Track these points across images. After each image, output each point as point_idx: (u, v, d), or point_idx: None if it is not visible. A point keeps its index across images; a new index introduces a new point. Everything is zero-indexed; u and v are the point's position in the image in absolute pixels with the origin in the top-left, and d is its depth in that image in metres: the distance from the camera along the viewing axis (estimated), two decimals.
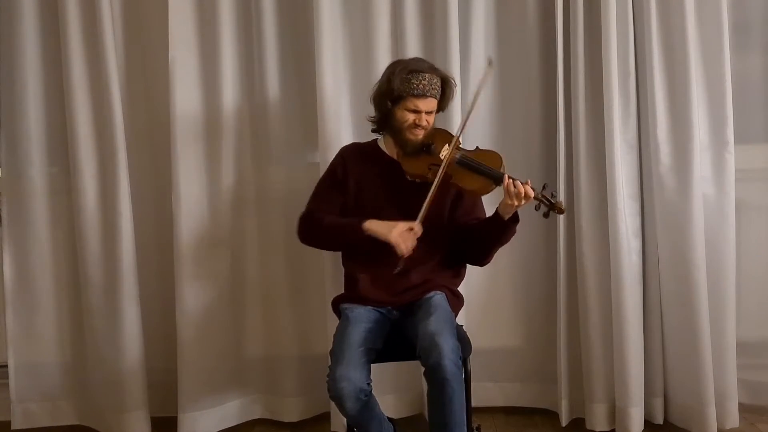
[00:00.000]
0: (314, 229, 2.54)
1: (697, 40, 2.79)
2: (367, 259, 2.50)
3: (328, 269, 2.86)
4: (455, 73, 2.82)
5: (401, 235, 2.37)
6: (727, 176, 2.81)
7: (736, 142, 2.81)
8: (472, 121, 2.89)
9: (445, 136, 2.50)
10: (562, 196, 2.85)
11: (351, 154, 2.61)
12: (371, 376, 2.27)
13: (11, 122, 2.93)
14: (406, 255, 2.37)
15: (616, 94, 2.77)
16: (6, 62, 2.91)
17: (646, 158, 2.87)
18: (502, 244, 2.50)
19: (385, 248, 2.38)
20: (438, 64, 2.71)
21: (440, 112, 2.58)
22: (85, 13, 2.83)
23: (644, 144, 2.86)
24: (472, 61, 2.94)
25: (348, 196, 2.54)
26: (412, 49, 2.85)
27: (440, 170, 2.39)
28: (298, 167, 2.99)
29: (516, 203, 2.35)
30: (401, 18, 2.87)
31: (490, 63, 2.55)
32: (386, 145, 2.58)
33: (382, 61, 2.85)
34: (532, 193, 2.34)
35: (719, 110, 2.81)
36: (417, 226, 2.38)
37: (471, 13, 2.92)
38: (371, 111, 2.60)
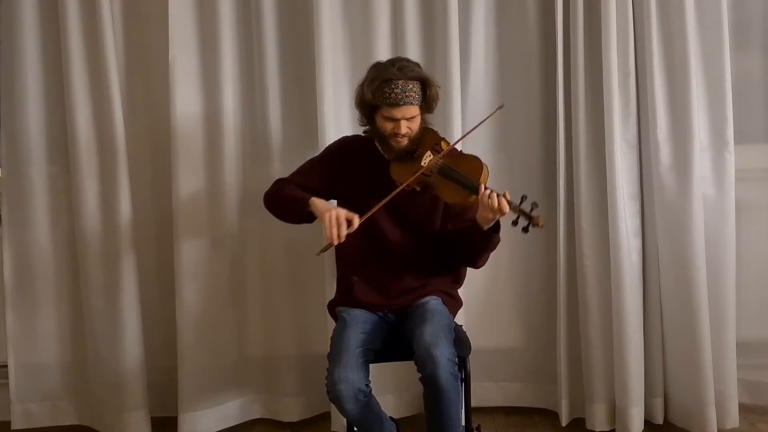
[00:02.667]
0: (276, 193, 2.52)
1: (697, 40, 2.79)
2: (361, 264, 2.48)
3: (328, 269, 2.86)
4: (455, 73, 2.82)
5: (336, 219, 2.26)
6: (727, 176, 2.81)
7: (736, 142, 2.81)
8: (472, 122, 2.90)
9: (431, 139, 2.43)
10: (562, 197, 2.86)
11: (350, 145, 2.58)
12: (370, 377, 2.27)
13: (11, 122, 2.93)
14: (333, 242, 2.27)
15: (616, 94, 2.76)
16: (6, 62, 2.91)
17: (646, 158, 2.87)
18: (487, 252, 2.45)
19: (382, 254, 2.36)
20: (438, 65, 2.71)
21: (430, 114, 2.49)
22: (85, 14, 2.83)
23: (644, 144, 2.86)
24: (472, 61, 2.94)
25: (337, 187, 2.52)
26: (412, 49, 2.85)
27: (414, 177, 2.33)
28: (298, 167, 2.99)
29: (491, 215, 2.26)
30: (401, 18, 2.87)
31: (500, 107, 2.43)
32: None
33: None
34: (506, 208, 2.22)
35: (719, 110, 2.81)
36: (357, 220, 2.29)
37: (471, 13, 2.92)
38: None
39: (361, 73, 2.83)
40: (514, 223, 2.25)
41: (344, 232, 2.27)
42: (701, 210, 2.78)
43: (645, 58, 2.80)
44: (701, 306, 2.77)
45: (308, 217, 2.43)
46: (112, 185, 2.87)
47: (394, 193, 2.32)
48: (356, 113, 2.53)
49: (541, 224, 2.21)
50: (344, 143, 2.61)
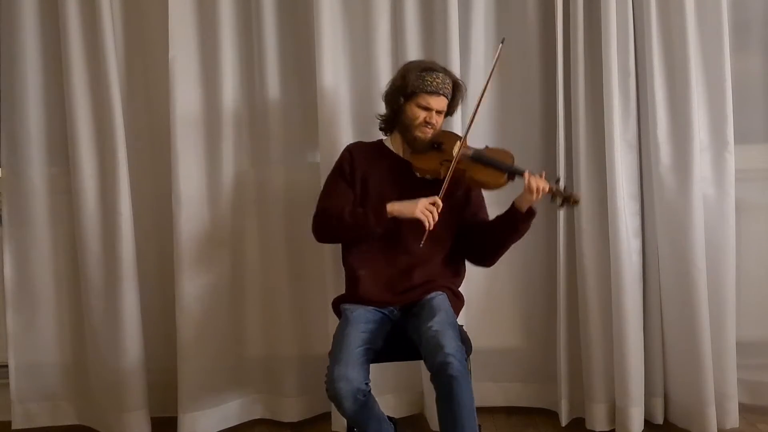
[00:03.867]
0: (333, 222, 2.49)
1: (697, 40, 2.79)
2: (368, 259, 2.50)
3: (328, 269, 2.87)
4: (455, 72, 2.81)
5: (426, 208, 2.38)
6: (727, 176, 2.81)
7: (736, 142, 2.81)
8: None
9: (453, 137, 2.54)
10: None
11: (358, 150, 2.62)
12: (371, 376, 2.27)
13: (11, 122, 2.93)
14: (432, 227, 2.38)
15: (616, 94, 2.77)
16: (6, 62, 2.91)
17: (646, 158, 2.87)
18: (516, 239, 2.51)
19: (391, 248, 2.39)
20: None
21: (447, 117, 2.61)
22: (85, 13, 2.83)
23: (644, 144, 2.86)
24: (472, 61, 2.94)
25: (354, 191, 2.54)
26: (412, 50, 2.85)
27: (453, 162, 2.42)
28: (298, 167, 2.99)
29: (535, 196, 2.38)
30: (401, 18, 2.87)
31: (503, 42, 2.52)
32: (393, 144, 2.60)
33: (382, 61, 2.86)
34: (548, 186, 2.38)
35: (719, 110, 2.81)
36: (439, 200, 2.39)
37: (471, 13, 2.92)
38: (371, 111, 2.61)
39: (361, 73, 2.87)
40: (552, 199, 2.41)
41: (437, 215, 2.39)
42: (701, 210, 2.78)
43: (645, 58, 2.80)
44: (701, 306, 2.77)
45: (385, 226, 2.46)
46: (112, 185, 2.86)
47: (450, 173, 2.40)
48: (359, 112, 2.55)
49: (579, 201, 2.43)
50: (352, 147, 2.64)
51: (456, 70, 2.82)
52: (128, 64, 2.94)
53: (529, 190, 2.38)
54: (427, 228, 2.38)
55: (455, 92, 2.56)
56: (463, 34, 2.89)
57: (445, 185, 2.41)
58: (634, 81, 2.81)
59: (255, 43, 2.94)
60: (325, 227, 2.52)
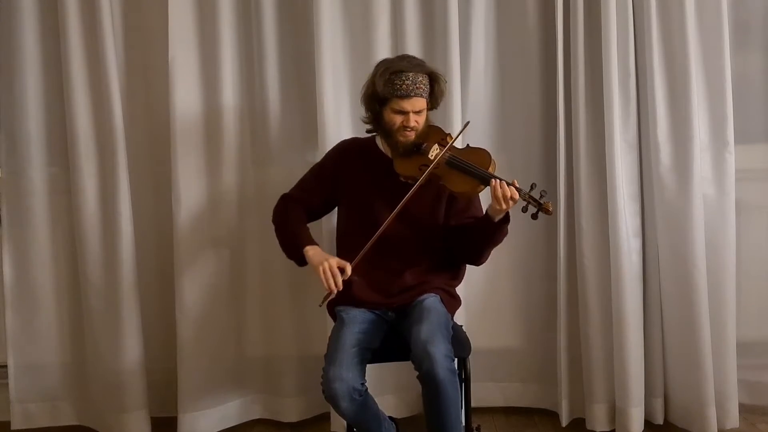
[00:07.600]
0: (279, 218, 2.56)
1: (697, 40, 2.79)
2: (362, 263, 2.48)
3: None
4: (455, 73, 2.83)
5: (330, 270, 2.33)
6: (727, 176, 2.82)
7: (736, 142, 2.82)
8: (472, 122, 2.90)
9: (437, 135, 2.47)
10: (562, 196, 2.86)
11: (348, 149, 2.60)
12: (369, 376, 2.27)
13: (11, 122, 2.93)
14: (332, 291, 2.33)
15: (616, 94, 2.77)
16: (6, 62, 2.91)
17: (646, 158, 2.87)
18: (494, 245, 2.47)
19: (382, 251, 2.38)
20: (438, 65, 2.71)
21: (434, 110, 2.53)
22: (85, 13, 2.83)
23: (644, 144, 2.86)
24: (472, 61, 2.94)
25: (339, 192, 2.53)
26: (412, 50, 2.84)
27: (426, 172, 2.35)
28: (298, 167, 2.98)
29: (504, 206, 2.29)
30: (401, 18, 2.87)
31: (466, 125, 2.53)
32: (382, 143, 2.56)
33: None
34: (517, 195, 2.29)
35: (719, 110, 2.81)
36: (349, 268, 2.34)
37: (471, 13, 2.92)
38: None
39: (361, 74, 2.84)
40: (524, 209, 2.32)
41: (340, 280, 2.34)
42: (701, 210, 2.78)
43: (645, 58, 2.80)
44: (701, 306, 2.77)
45: (299, 260, 2.47)
46: (112, 185, 2.87)
47: (409, 194, 2.34)
48: (359, 112, 2.54)
49: (550, 211, 2.29)
50: (342, 147, 2.62)
51: (456, 70, 2.83)
52: (128, 64, 2.94)
53: (495, 198, 2.29)
54: (327, 292, 2.34)
55: (433, 85, 2.44)
56: (463, 34, 2.89)
57: (401, 204, 2.34)
58: (634, 81, 2.81)
59: (255, 43, 2.94)
60: (276, 215, 2.58)
